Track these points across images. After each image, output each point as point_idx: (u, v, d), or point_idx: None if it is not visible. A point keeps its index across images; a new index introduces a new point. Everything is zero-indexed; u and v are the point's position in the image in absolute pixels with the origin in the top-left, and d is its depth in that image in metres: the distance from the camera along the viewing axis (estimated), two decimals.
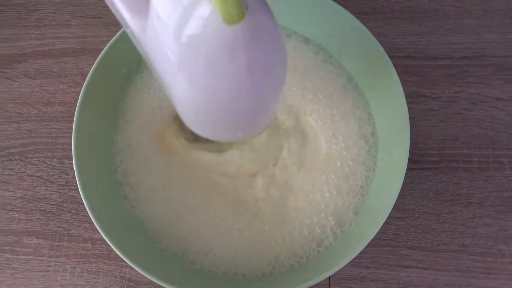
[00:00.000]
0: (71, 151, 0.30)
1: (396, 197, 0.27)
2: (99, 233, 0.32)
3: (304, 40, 0.35)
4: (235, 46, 0.16)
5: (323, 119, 0.32)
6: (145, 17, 0.19)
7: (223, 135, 0.24)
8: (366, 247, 0.27)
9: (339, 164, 0.31)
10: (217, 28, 0.16)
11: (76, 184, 0.29)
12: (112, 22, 0.39)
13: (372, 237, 0.27)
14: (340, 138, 0.32)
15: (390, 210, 0.27)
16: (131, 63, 0.34)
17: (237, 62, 0.17)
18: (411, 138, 0.30)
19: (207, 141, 0.29)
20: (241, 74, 0.18)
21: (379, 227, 0.27)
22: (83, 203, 0.28)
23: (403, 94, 0.30)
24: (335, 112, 0.32)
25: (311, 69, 0.34)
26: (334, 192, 0.31)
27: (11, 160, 0.36)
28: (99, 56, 0.31)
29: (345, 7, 0.32)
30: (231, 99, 0.19)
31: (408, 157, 0.28)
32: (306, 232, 0.30)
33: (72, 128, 0.30)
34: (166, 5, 0.17)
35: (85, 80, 0.31)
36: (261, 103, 0.20)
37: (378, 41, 0.31)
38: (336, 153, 0.32)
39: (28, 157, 0.36)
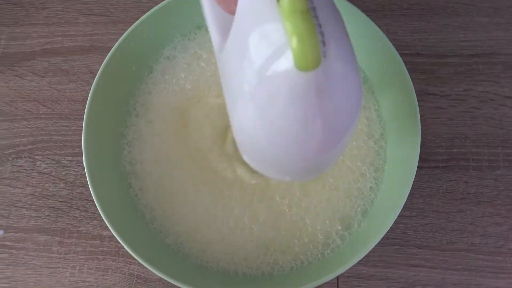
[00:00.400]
0: (80, 148, 0.30)
1: (406, 199, 0.27)
2: (107, 230, 0.33)
3: None
4: (306, 92, 0.16)
5: None
6: (226, 38, 0.19)
7: (277, 175, 0.23)
8: (374, 245, 0.27)
9: (348, 163, 0.31)
10: (291, 71, 0.15)
11: (85, 181, 0.29)
12: (120, 20, 0.40)
13: (380, 238, 0.27)
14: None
15: (399, 211, 0.27)
16: (140, 61, 0.34)
17: (306, 108, 0.16)
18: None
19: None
20: (308, 120, 0.17)
21: (387, 229, 0.27)
22: (91, 200, 0.29)
23: (414, 93, 0.29)
24: None
25: None
26: (342, 194, 0.31)
27: (20, 157, 0.36)
28: (109, 54, 0.31)
29: (353, 4, 0.32)
30: (292, 144, 0.18)
31: (418, 157, 0.28)
32: (313, 232, 0.30)
33: (81, 126, 0.30)
34: (256, 39, 0.17)
35: (93, 78, 0.31)
36: (325, 150, 0.19)
37: (387, 38, 0.31)
38: (345, 153, 0.31)
39: (37, 155, 0.36)
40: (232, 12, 0.18)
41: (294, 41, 0.14)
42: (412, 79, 0.31)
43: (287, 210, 0.31)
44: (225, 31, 0.20)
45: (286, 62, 0.15)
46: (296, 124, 0.17)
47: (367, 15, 0.31)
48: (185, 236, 0.31)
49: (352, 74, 0.17)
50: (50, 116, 0.37)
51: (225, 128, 0.32)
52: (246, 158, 0.23)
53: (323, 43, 0.15)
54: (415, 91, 0.30)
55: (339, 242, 0.30)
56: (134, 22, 0.32)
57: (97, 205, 0.28)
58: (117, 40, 0.32)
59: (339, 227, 0.30)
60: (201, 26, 0.35)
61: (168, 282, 0.28)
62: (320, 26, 0.15)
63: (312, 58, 0.15)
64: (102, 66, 0.31)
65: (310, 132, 0.17)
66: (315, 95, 0.16)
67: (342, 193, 0.31)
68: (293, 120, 0.17)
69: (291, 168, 0.21)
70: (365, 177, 0.31)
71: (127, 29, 0.32)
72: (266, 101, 0.17)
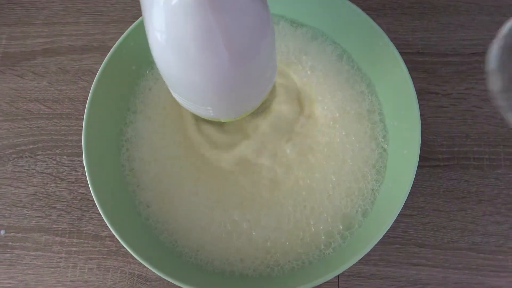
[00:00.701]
0: (81, 148, 0.30)
1: (406, 198, 0.27)
2: (108, 229, 0.33)
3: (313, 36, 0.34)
4: (202, 7, 0.17)
5: (337, 119, 0.32)
6: None
7: (200, 106, 0.24)
8: (374, 245, 0.27)
9: (350, 163, 0.31)
10: None
11: (86, 181, 0.29)
12: (120, 20, 0.39)
13: (380, 237, 0.27)
14: (353, 138, 0.32)
15: (400, 210, 0.27)
16: (140, 60, 0.34)
17: (204, 23, 0.17)
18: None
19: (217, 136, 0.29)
20: (208, 37, 0.18)
21: (388, 228, 0.27)
22: (92, 200, 0.29)
23: (414, 92, 0.29)
24: (352, 112, 0.32)
25: (332, 71, 0.34)
26: (344, 195, 0.31)
27: (21, 157, 0.36)
28: (109, 53, 0.31)
29: (354, 3, 0.31)
30: (199, 63, 0.19)
31: (418, 159, 0.28)
32: (314, 231, 0.30)
33: (81, 125, 0.30)
34: None
35: (93, 77, 0.31)
36: (233, 74, 0.20)
37: (388, 37, 0.31)
38: (348, 155, 0.31)
39: (38, 154, 0.36)
40: None
41: None
42: (413, 78, 0.31)
43: (291, 210, 0.31)
44: None
45: None
46: (198, 40, 0.18)
47: (368, 14, 0.31)
48: (185, 236, 0.31)
49: None
50: (51, 115, 0.37)
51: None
52: (174, 94, 0.24)
53: None
54: (416, 90, 0.30)
55: (340, 241, 0.30)
56: (135, 21, 0.32)
57: (97, 204, 0.28)
58: (118, 40, 0.32)
59: (341, 227, 0.30)
60: None
61: (168, 281, 0.28)
62: None
63: None
64: (102, 66, 0.31)
65: (212, 48, 0.18)
66: (210, 11, 0.17)
67: (344, 192, 0.31)
68: (194, 36, 0.18)
69: (207, 96, 0.22)
70: (366, 177, 0.31)
71: (127, 29, 0.32)
72: (167, 27, 0.18)
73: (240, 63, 0.20)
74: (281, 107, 0.32)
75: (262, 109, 0.31)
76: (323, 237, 0.30)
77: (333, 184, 0.31)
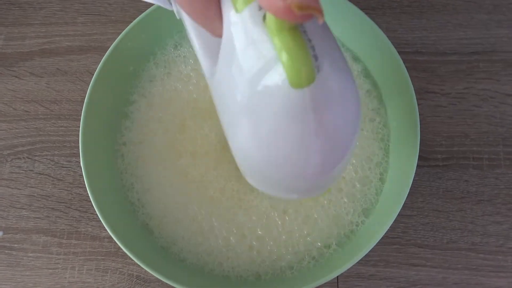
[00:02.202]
0: (79, 149, 0.30)
1: (405, 198, 0.27)
2: (106, 231, 0.33)
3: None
4: (301, 109, 0.15)
5: None
6: (216, 62, 0.19)
7: (282, 194, 0.22)
8: (374, 245, 0.27)
9: (350, 166, 0.31)
10: (284, 87, 0.15)
11: (84, 182, 0.29)
12: (118, 20, 0.39)
13: (379, 238, 0.27)
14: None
15: (399, 211, 0.27)
16: (138, 61, 0.33)
17: (303, 126, 0.16)
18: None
19: None
20: (305, 139, 0.16)
21: (387, 229, 0.27)
22: (90, 201, 0.29)
23: (413, 92, 0.29)
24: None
25: None
26: (343, 195, 0.30)
27: (19, 158, 0.36)
28: (106, 54, 0.31)
29: (352, 2, 0.31)
30: (290, 164, 0.17)
31: (417, 159, 0.28)
32: (313, 232, 0.30)
33: (79, 126, 0.30)
34: (247, 53, 0.16)
35: (91, 78, 0.31)
36: (326, 169, 0.18)
37: (387, 36, 0.30)
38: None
39: (36, 155, 0.36)
40: (219, 35, 0.18)
41: (284, 56, 0.14)
42: (412, 77, 0.30)
43: (291, 211, 0.30)
44: (214, 55, 0.19)
45: (278, 77, 0.15)
46: (292, 143, 0.16)
47: (367, 13, 0.31)
48: (183, 238, 0.31)
49: (349, 88, 0.17)
50: (49, 116, 0.37)
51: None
52: (249, 180, 0.22)
53: (315, 57, 0.15)
54: (416, 89, 0.30)
55: (339, 241, 0.30)
56: (132, 21, 0.32)
57: (94, 206, 0.28)
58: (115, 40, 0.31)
59: (340, 228, 0.30)
60: None
61: (167, 283, 0.28)
62: (310, 40, 0.15)
63: (306, 74, 0.14)
64: (99, 66, 0.31)
65: (309, 151, 0.16)
66: (312, 112, 0.15)
67: (343, 193, 0.31)
68: (288, 139, 0.16)
69: (293, 188, 0.20)
70: (365, 178, 0.31)
71: (125, 29, 0.32)
72: (260, 119, 0.16)
73: (336, 159, 0.18)
74: None
75: None
76: (322, 238, 0.30)
77: (334, 185, 0.31)
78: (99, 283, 0.33)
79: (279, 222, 0.30)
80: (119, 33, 0.32)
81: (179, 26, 0.34)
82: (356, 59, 0.34)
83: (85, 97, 0.30)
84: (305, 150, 0.16)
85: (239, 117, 0.18)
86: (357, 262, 0.27)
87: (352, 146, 0.18)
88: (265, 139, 0.17)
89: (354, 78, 0.17)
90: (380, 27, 0.31)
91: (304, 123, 0.16)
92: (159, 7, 0.32)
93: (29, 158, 0.36)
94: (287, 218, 0.30)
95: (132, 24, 0.32)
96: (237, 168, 0.28)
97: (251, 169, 0.20)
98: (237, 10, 0.16)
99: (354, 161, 0.31)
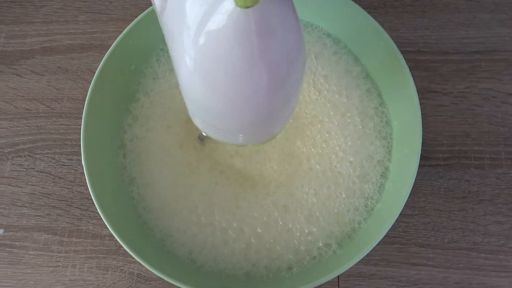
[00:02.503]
0: (80, 147, 0.30)
1: (407, 198, 0.27)
2: (107, 229, 0.33)
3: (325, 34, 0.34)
4: (248, 31, 0.16)
5: (341, 120, 0.32)
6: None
7: (229, 135, 0.23)
8: (375, 245, 0.26)
9: (352, 163, 0.31)
10: (231, 11, 0.15)
11: (85, 180, 0.29)
12: (119, 18, 0.39)
13: (381, 238, 0.26)
14: (355, 137, 0.32)
15: (400, 210, 0.27)
16: (139, 59, 0.33)
17: (247, 49, 0.16)
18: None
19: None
20: (250, 63, 0.17)
21: (388, 228, 0.27)
22: (91, 199, 0.29)
23: (415, 91, 0.29)
24: (354, 112, 0.32)
25: (334, 72, 0.33)
26: (345, 195, 0.30)
27: (20, 156, 0.36)
28: (107, 52, 0.31)
29: (354, 1, 0.31)
30: (235, 89, 0.18)
31: (419, 159, 0.28)
32: (315, 231, 0.30)
33: (80, 125, 0.30)
34: None
35: (92, 76, 0.31)
36: (272, 98, 0.19)
37: (389, 35, 0.30)
38: (350, 154, 0.31)
39: (37, 153, 0.36)
40: None
41: None
42: (414, 76, 0.30)
43: (292, 210, 0.30)
44: None
45: (228, 3, 0.16)
46: (237, 68, 0.17)
47: (369, 12, 0.31)
48: (185, 236, 0.31)
49: (290, 15, 0.17)
50: (50, 114, 0.37)
51: None
52: (196, 121, 0.23)
53: None
54: (418, 89, 0.30)
55: (341, 241, 0.30)
56: (134, 20, 0.32)
57: (96, 204, 0.28)
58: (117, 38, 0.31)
59: (342, 227, 0.30)
60: None
61: (167, 281, 0.28)
62: None
63: None
64: (100, 65, 0.31)
65: (253, 76, 0.17)
66: (256, 36, 0.16)
67: (344, 192, 0.31)
68: (233, 64, 0.17)
69: (240, 124, 0.21)
70: (367, 177, 0.31)
71: (126, 27, 0.32)
72: (206, 48, 0.17)
73: (279, 87, 0.19)
74: None
75: None
76: (323, 237, 0.30)
77: (335, 183, 0.31)
78: (100, 281, 0.33)
79: (280, 222, 0.30)
80: (120, 31, 0.32)
81: None
82: (358, 57, 0.34)
83: (86, 95, 0.30)
84: (249, 75, 0.17)
85: (187, 49, 0.18)
86: (358, 262, 0.27)
87: (296, 77, 0.19)
88: (211, 68, 0.18)
89: (295, 10, 0.18)
90: (382, 26, 0.31)
91: (248, 47, 0.16)
92: None
93: (30, 156, 0.36)
94: (288, 217, 0.30)
95: (133, 22, 0.32)
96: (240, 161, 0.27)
97: (197, 104, 0.21)
98: None
99: (351, 158, 0.31)
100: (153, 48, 0.34)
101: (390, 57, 0.30)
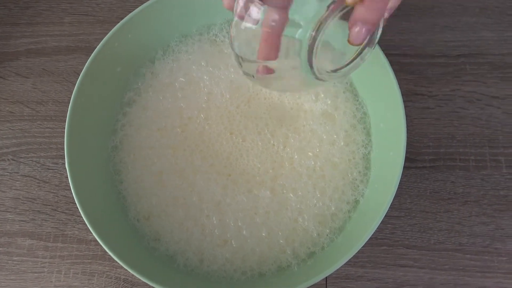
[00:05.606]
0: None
1: (392, 200, 0.27)
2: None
3: None
4: None
5: (323, 120, 0.32)
6: None
7: None
8: (362, 246, 0.27)
9: (337, 165, 0.31)
10: None
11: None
12: (106, 20, 0.39)
13: (367, 239, 0.27)
14: (340, 140, 0.32)
15: (386, 212, 0.27)
16: (125, 62, 0.33)
17: None
18: (406, 137, 0.30)
19: None
20: None
21: (375, 229, 0.27)
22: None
23: (400, 94, 0.29)
24: (339, 113, 0.32)
25: None
26: (330, 197, 0.31)
27: (4, 160, 0.36)
28: (92, 55, 0.31)
29: None
30: None
31: (404, 161, 0.28)
32: (302, 233, 0.30)
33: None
34: None
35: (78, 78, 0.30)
36: None
37: None
38: (335, 156, 0.31)
39: (21, 157, 0.36)
40: None
41: None
42: (400, 79, 0.31)
43: (277, 212, 0.30)
44: None
45: None
46: None
47: None
48: (173, 243, 0.30)
49: None
50: (35, 117, 0.37)
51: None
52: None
53: None
54: (403, 91, 0.30)
55: (327, 243, 0.30)
56: (120, 21, 0.32)
57: (79, 209, 0.28)
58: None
59: (327, 229, 0.30)
60: (186, 34, 0.35)
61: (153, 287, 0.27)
62: None
63: None
64: (85, 67, 0.30)
65: None
66: None
67: (330, 194, 0.31)
68: None
69: None
70: (352, 179, 0.31)
71: (112, 29, 0.31)
72: None
73: None
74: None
75: None
76: (310, 239, 0.30)
77: (320, 185, 0.31)
78: (86, 287, 0.32)
79: (260, 222, 0.30)
80: (106, 33, 0.31)
81: (166, 26, 0.34)
82: None
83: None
84: None
85: None
86: (346, 263, 0.27)
87: None
88: None
89: None
90: None
91: None
92: (147, 7, 0.31)
93: (14, 160, 0.36)
94: (272, 219, 0.30)
95: (120, 23, 0.31)
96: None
97: None
98: None
99: (336, 160, 0.31)
100: (139, 50, 0.34)
101: (375, 60, 0.30)
